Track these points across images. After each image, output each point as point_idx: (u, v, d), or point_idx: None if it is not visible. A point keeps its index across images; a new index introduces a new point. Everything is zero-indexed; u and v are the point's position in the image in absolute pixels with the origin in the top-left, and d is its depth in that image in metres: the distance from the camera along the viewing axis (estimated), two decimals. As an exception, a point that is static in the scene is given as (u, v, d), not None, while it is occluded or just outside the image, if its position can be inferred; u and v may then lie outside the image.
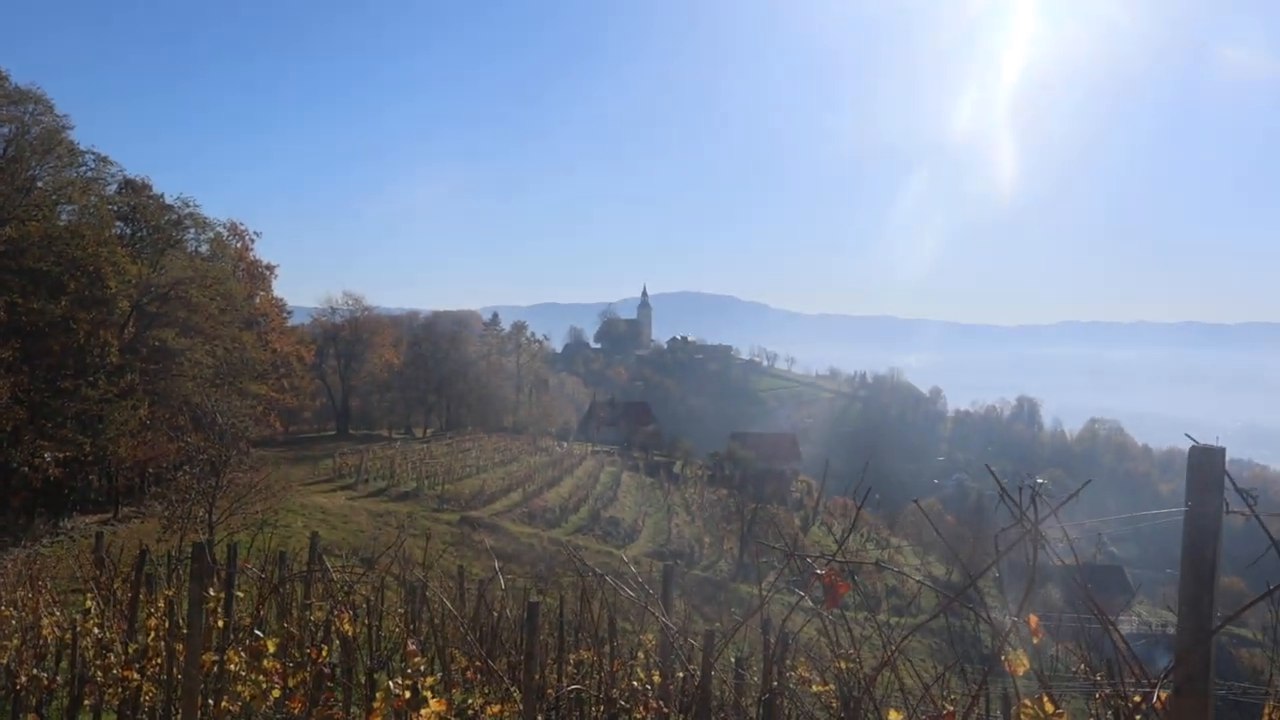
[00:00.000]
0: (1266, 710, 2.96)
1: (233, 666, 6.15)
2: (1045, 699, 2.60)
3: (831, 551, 3.36)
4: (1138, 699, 2.83)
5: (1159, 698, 2.57)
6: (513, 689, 8.13)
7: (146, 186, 58.94)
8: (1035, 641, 2.74)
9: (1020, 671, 2.73)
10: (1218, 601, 2.58)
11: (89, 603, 10.06)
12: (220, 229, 67.77)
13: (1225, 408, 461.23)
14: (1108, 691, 4.60)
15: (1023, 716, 2.59)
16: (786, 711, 7.62)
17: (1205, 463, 2.40)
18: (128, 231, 57.29)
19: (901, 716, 2.97)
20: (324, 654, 6.06)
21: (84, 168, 53.29)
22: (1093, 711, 6.09)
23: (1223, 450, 2.42)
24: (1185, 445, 2.58)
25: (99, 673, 9.83)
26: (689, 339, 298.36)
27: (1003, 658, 2.69)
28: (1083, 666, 7.55)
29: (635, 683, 7.99)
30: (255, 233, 76.32)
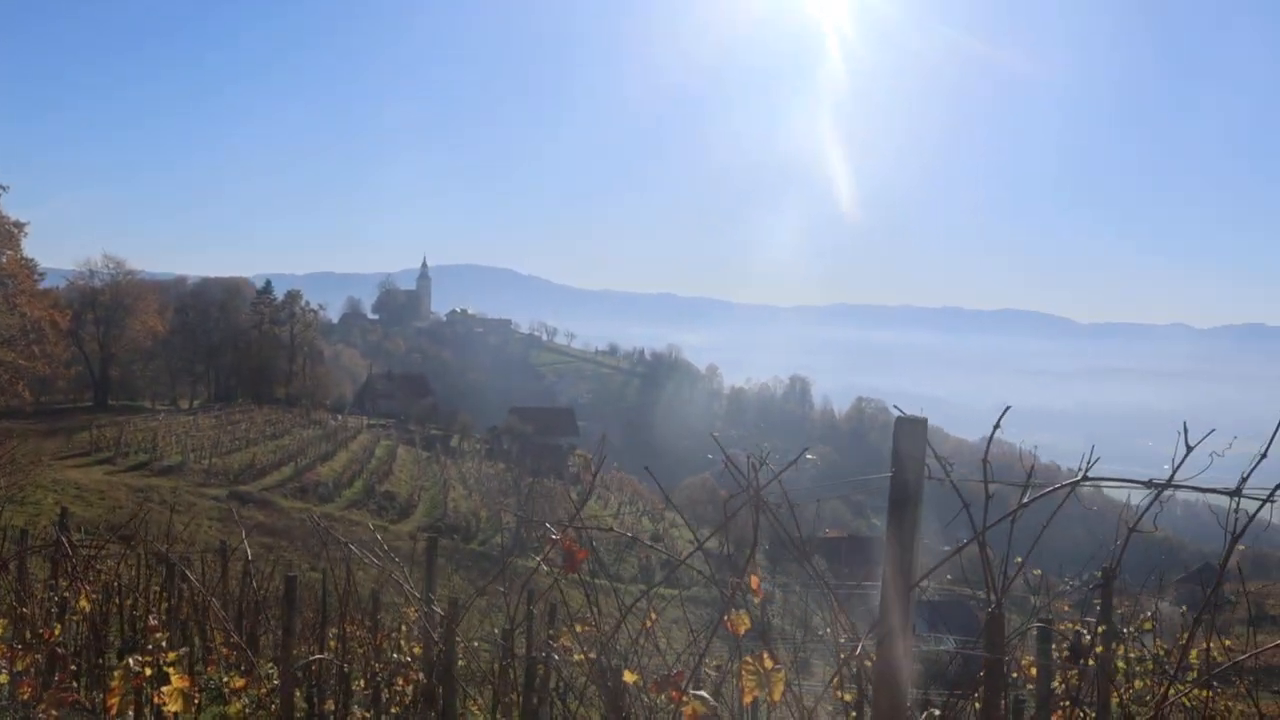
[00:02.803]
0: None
1: (-44, 650, 5.76)
2: (765, 655, 2.76)
3: (606, 525, 3.45)
4: (855, 651, 3.05)
5: (866, 650, 2.78)
6: (269, 665, 7.96)
7: (-126, 133, 53.87)
8: (755, 601, 2.90)
9: (743, 631, 2.88)
10: (927, 562, 2.80)
11: None
12: (-41, 182, 62.72)
13: (980, 388, 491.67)
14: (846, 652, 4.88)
15: (744, 671, 2.75)
16: (551, 679, 7.73)
17: (908, 432, 2.60)
18: None
19: (637, 677, 3.09)
20: (56, 633, 5.76)
21: None
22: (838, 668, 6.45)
23: (924, 421, 2.61)
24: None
25: None
26: (468, 312, 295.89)
27: (726, 618, 2.84)
28: (828, 630, 7.98)
29: (396, 655, 7.95)
30: (1, 186, 71.04)
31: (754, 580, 2.85)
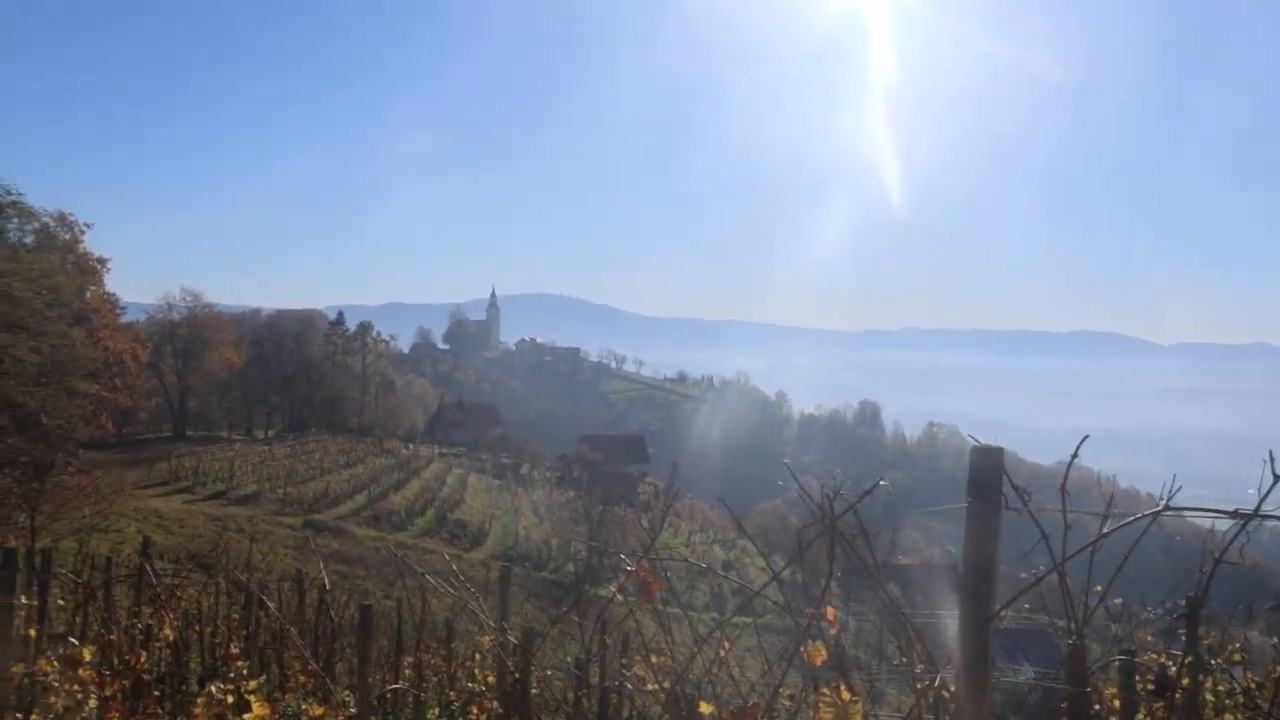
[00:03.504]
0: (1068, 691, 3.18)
1: (46, 677, 5.91)
2: (841, 687, 2.74)
3: (678, 553, 3.46)
4: (934, 683, 3.02)
5: (944, 682, 2.74)
6: (345, 693, 8.04)
7: (-35, 174, 55.78)
8: (832, 632, 2.88)
9: (819, 661, 2.87)
10: (1006, 590, 2.76)
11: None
12: (47, 219, 64.84)
13: (1055, 411, 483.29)
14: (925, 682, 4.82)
15: (820, 703, 2.73)
16: (625, 709, 7.72)
17: (984, 462, 2.57)
18: (-57, 220, 54.26)
19: (712, 708, 3.08)
20: (142, 660, 5.88)
21: (-105, 152, 50.25)
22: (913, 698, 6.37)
23: (1000, 450, 2.58)
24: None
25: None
26: (538, 341, 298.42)
27: (802, 649, 2.82)
28: (903, 659, 7.89)
29: (471, 683, 7.99)
30: (86, 224, 73.02)
31: (830, 611, 2.83)
